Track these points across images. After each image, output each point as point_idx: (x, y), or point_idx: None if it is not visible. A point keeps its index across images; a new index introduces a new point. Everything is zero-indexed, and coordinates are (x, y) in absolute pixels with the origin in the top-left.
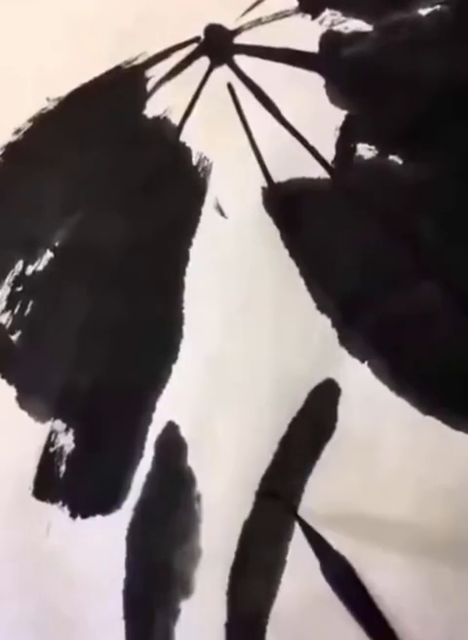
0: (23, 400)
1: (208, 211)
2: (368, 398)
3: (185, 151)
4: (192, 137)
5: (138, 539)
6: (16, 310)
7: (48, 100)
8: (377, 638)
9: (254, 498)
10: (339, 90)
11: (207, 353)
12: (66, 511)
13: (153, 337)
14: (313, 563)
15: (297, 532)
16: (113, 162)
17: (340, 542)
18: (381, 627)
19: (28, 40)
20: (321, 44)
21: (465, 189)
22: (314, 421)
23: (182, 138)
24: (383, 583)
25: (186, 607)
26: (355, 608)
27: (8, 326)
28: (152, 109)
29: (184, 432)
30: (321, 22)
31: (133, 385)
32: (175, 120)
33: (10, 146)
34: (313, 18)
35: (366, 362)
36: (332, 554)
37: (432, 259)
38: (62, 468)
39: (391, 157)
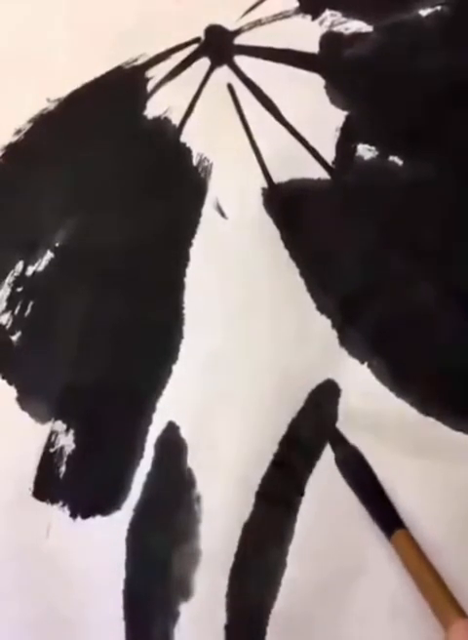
0: (24, 401)
1: (208, 211)
2: (368, 398)
3: (185, 152)
4: (192, 137)
5: (138, 539)
6: (16, 311)
7: (48, 100)
8: (386, 526)
9: (254, 498)
10: (340, 90)
11: (207, 354)
12: (66, 511)
13: (153, 337)
14: (314, 562)
15: (298, 534)
16: (113, 162)
17: None
18: (391, 514)
19: (28, 40)
20: (321, 45)
21: (465, 189)
22: (314, 422)
23: (183, 138)
24: (382, 582)
25: (186, 608)
26: (366, 495)
27: (8, 326)
28: (152, 110)
29: (184, 433)
30: (321, 23)
31: (133, 386)
32: (176, 121)
33: (10, 147)
34: (313, 18)
35: (365, 363)
36: (346, 444)
37: (432, 258)
38: (63, 469)
39: (391, 158)
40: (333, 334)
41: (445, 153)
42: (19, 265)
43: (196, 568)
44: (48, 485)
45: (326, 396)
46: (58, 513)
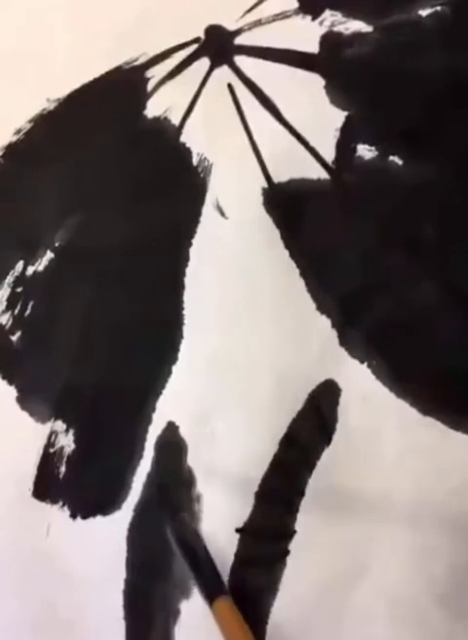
0: (24, 401)
1: (208, 211)
2: (368, 398)
3: (186, 152)
4: (192, 137)
5: (138, 539)
6: (16, 311)
7: (48, 100)
8: (208, 594)
9: (254, 498)
10: (339, 91)
11: (207, 353)
12: (66, 512)
13: (153, 337)
14: (314, 562)
15: (298, 534)
16: (113, 162)
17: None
18: (215, 581)
19: (28, 40)
20: (321, 45)
21: (465, 189)
22: (314, 421)
23: (183, 138)
24: (382, 582)
25: (186, 607)
26: (192, 561)
27: (8, 326)
28: (153, 110)
29: (184, 432)
30: (321, 23)
31: (133, 386)
32: (176, 120)
33: (10, 147)
34: (313, 18)
35: (365, 362)
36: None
37: (432, 259)
38: (63, 469)
39: (391, 158)
40: (333, 334)
41: (445, 153)
42: (20, 265)
43: None
44: (48, 485)
45: (326, 396)
46: (58, 513)
